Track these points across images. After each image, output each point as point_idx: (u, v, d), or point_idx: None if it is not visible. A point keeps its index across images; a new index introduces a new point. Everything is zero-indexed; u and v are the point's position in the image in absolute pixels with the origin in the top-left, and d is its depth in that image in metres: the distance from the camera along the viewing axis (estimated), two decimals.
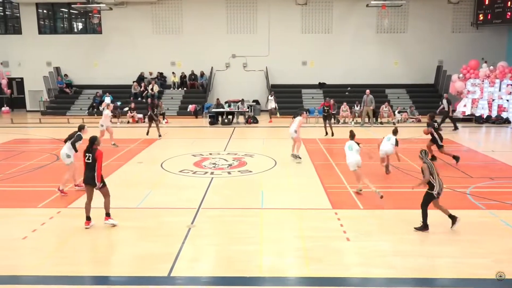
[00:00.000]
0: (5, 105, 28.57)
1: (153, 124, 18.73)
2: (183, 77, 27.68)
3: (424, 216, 8.32)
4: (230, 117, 23.12)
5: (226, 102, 24.47)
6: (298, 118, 14.24)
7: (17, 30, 28.44)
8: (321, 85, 27.78)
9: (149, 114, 18.77)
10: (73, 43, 28.01)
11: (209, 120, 23.08)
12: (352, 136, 10.63)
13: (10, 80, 28.42)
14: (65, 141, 10.80)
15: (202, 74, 27.59)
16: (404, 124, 22.53)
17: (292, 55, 27.64)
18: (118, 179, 12.23)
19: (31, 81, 28.45)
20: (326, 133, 18.85)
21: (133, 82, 27.27)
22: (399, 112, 23.87)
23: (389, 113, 23.45)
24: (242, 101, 24.49)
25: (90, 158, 8.60)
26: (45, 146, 17.14)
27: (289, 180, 12.03)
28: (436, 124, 13.80)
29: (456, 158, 13.56)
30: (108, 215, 8.71)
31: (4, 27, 29.00)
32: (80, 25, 29.10)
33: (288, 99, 26.39)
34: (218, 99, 24.44)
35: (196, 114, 25.52)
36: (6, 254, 7.54)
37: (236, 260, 7.29)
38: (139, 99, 26.30)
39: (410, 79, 27.69)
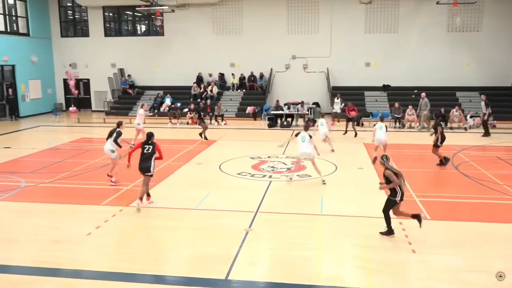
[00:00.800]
0: (72, 105, 30.32)
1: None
2: (242, 78, 28.02)
3: (388, 221, 8.35)
4: (289, 119, 23.08)
5: (285, 104, 24.45)
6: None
7: (85, 33, 30.12)
8: (385, 87, 27.06)
9: (198, 116, 19.35)
10: (137, 44, 29.24)
11: (268, 122, 23.15)
12: (306, 127, 12.25)
13: (78, 81, 30.14)
14: (107, 138, 11.99)
15: (262, 76, 27.79)
16: (476, 130, 21.40)
17: (354, 56, 27.15)
18: (177, 180, 12.57)
19: (97, 82, 30.03)
20: (346, 132, 20.09)
21: (194, 83, 27.98)
22: (471, 117, 22.70)
23: (460, 118, 22.37)
24: (302, 103, 24.37)
25: (150, 149, 10.12)
26: None
27: (350, 186, 11.79)
28: (443, 124, 13.81)
29: (445, 159, 13.55)
30: (141, 199, 9.99)
31: (73, 30, 30.82)
32: (144, 27, 30.30)
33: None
34: (277, 101, 24.50)
35: (254, 116, 25.73)
36: (71, 249, 7.98)
37: (294, 266, 7.25)
38: (198, 100, 26.93)
39: (484, 81, 26.28)
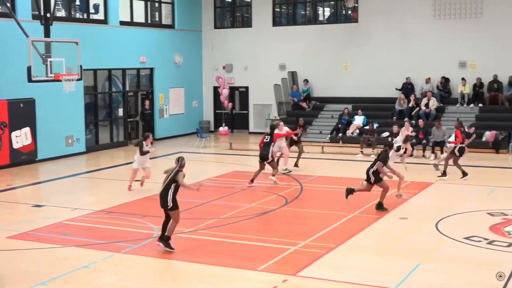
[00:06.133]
0: (224, 124, 32.48)
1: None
2: (478, 86, 27.12)
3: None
4: None
5: None
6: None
7: (247, 22, 32.55)
8: None
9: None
10: (317, 37, 30.41)
11: None
12: None
13: (232, 90, 32.44)
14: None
15: None
16: None
17: None
18: (368, 242, 12.66)
19: (258, 92, 31.94)
20: None
21: (400, 93, 27.86)
22: None
23: None
24: None
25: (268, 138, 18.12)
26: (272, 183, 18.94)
27: None
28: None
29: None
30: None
31: (232, 18, 33.44)
32: (328, 11, 31.48)
33: None
34: None
35: (497, 146, 24.70)
36: None
37: None
38: (406, 119, 26.75)
39: None
